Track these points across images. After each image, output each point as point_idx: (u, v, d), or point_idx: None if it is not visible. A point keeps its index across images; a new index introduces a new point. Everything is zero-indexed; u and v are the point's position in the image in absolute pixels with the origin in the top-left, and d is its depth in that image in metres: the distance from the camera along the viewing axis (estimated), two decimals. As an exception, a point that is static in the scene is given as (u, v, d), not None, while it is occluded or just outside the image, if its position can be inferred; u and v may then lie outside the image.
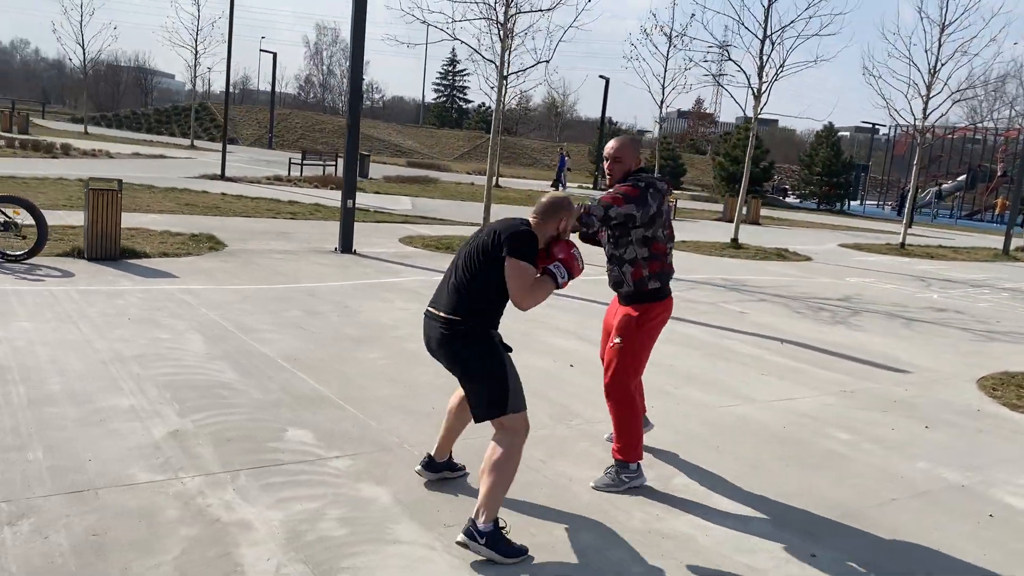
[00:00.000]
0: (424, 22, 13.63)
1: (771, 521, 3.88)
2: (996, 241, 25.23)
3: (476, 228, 3.81)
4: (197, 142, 40.45)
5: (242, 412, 4.68)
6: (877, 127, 53.04)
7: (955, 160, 49.21)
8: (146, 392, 4.86)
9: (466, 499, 3.80)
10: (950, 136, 48.57)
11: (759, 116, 17.56)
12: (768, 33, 16.42)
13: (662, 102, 29.98)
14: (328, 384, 5.33)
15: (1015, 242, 22.93)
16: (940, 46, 19.63)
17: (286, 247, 11.28)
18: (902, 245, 20.53)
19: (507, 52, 13.54)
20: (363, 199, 20.17)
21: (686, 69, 28.66)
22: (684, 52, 29.73)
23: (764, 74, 16.65)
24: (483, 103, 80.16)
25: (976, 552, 3.74)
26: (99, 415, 4.43)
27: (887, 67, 21.08)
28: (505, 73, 13.59)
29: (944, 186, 47.13)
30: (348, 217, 11.55)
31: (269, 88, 51.73)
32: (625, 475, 4.10)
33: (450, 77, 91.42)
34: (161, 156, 29.80)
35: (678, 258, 14.52)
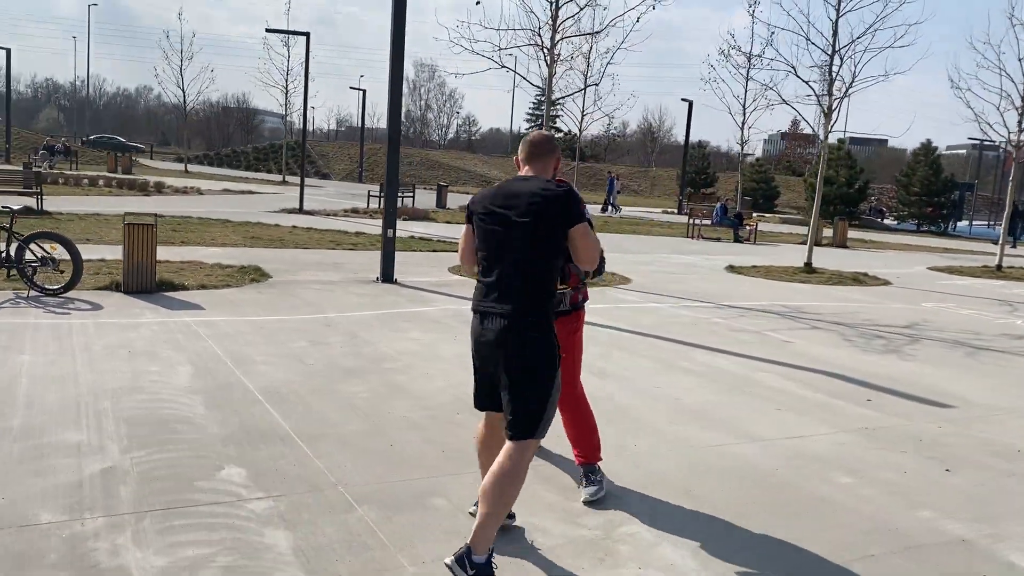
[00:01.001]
0: (473, 52, 13.62)
1: (715, 579, 3.46)
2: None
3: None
4: (289, 178, 41.80)
5: (187, 449, 4.55)
6: (986, 143, 50.20)
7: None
8: (103, 427, 4.80)
9: (377, 551, 3.53)
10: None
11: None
12: (836, 48, 15.68)
13: (743, 123, 29.27)
14: (292, 419, 5.17)
15: None
16: (1034, 53, 18.33)
17: (330, 278, 11.32)
18: (998, 267, 19.13)
19: (554, 76, 13.34)
20: (431, 229, 20.30)
21: (767, 89, 27.69)
22: (766, 71, 28.72)
23: (834, 90, 15.88)
24: (570, 131, 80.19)
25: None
26: (40, 451, 4.38)
27: (977, 78, 19.59)
28: (554, 98, 13.38)
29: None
30: (388, 246, 11.51)
31: (368, 124, 53.22)
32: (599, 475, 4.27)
33: (542, 107, 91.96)
34: (249, 192, 30.87)
35: (745, 284, 14.01)
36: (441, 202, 31.38)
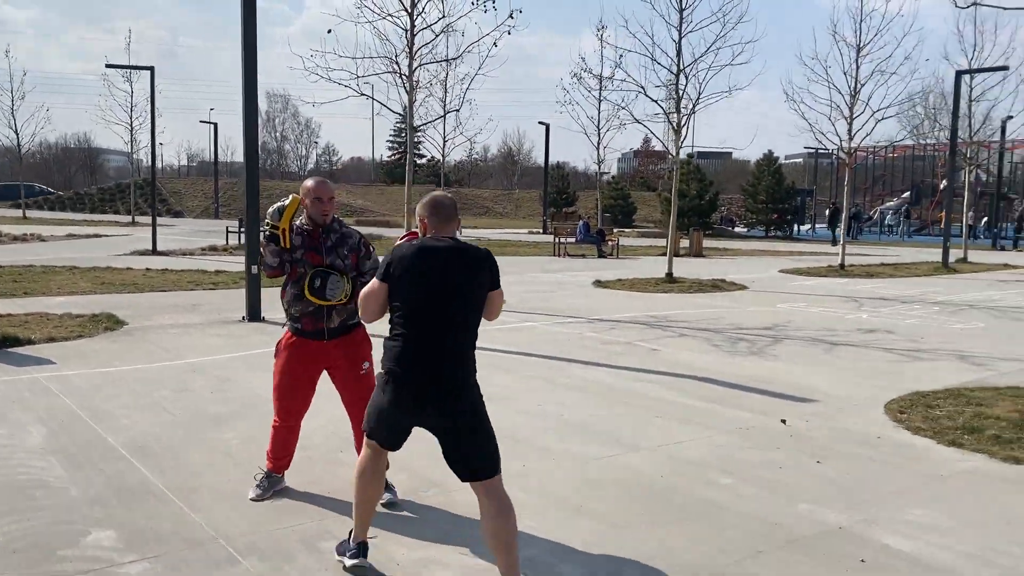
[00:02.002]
0: (329, 80, 13.41)
1: (615, 592, 3.47)
2: (938, 254, 25.27)
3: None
4: (140, 218, 39.78)
5: (47, 515, 4.19)
6: (820, 151, 53.86)
7: (899, 178, 50.03)
8: (-55, 501, 4.36)
9: (264, 600, 3.34)
10: (892, 155, 49.50)
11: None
12: (681, 68, 16.42)
13: (599, 143, 30.17)
14: (162, 473, 4.86)
15: (954, 253, 23.00)
16: (858, 67, 19.85)
17: (190, 320, 10.79)
18: (841, 266, 20.47)
19: (414, 103, 13.31)
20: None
21: (620, 109, 28.75)
22: (618, 92, 29.86)
23: (681, 108, 16.60)
24: (433, 156, 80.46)
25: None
26: None
27: (808, 91, 20.97)
28: (416, 125, 13.35)
29: (889, 204, 47.79)
30: (253, 284, 11.10)
31: (221, 158, 51.40)
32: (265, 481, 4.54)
33: (403, 134, 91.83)
34: (96, 235, 29.21)
35: (612, 297, 14.36)
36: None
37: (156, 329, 9.97)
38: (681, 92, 16.46)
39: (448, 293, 3.39)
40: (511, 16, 13.53)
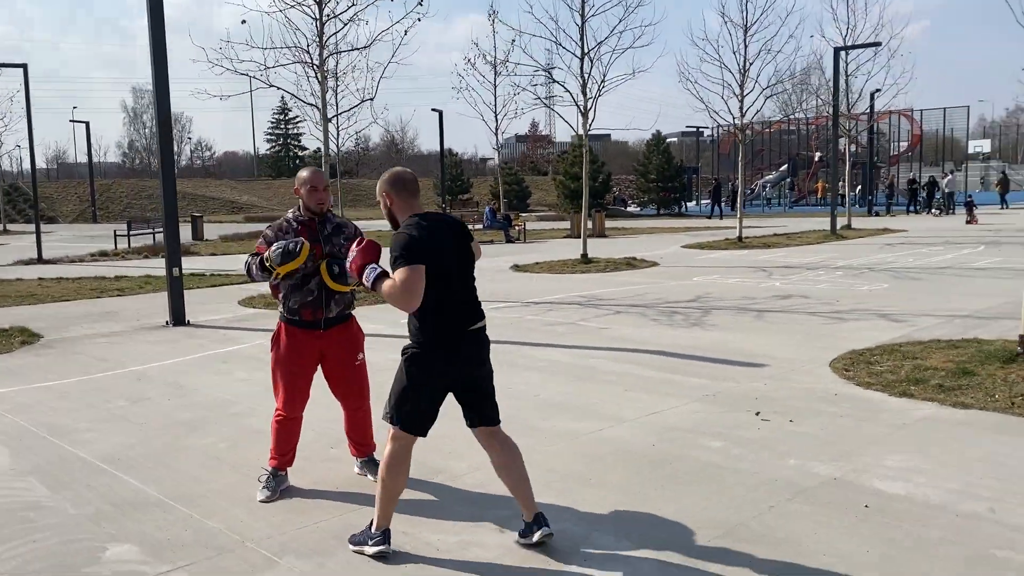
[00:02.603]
0: (237, 72, 13.03)
1: (652, 559, 3.63)
2: (823, 223, 26.73)
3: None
4: (11, 226, 37.37)
5: (52, 535, 4.02)
6: (701, 130, 55.83)
7: (776, 152, 52.37)
8: (-70, 531, 4.11)
9: (320, 596, 3.34)
10: (768, 130, 51.80)
11: (590, 132, 17.83)
12: (585, 51, 16.73)
13: (496, 129, 30.31)
14: (156, 483, 4.71)
15: (840, 220, 24.38)
16: (746, 47, 20.71)
17: (112, 328, 10.34)
18: (739, 239, 21.37)
19: (327, 94, 13.10)
20: (199, 263, 19.10)
21: (515, 95, 28.80)
22: (511, 78, 29.98)
23: (588, 91, 16.92)
24: (318, 148, 79.03)
25: (860, 550, 3.62)
26: None
27: (701, 72, 21.73)
28: (329, 115, 13.14)
29: (768, 177, 50.01)
30: (176, 286, 10.74)
31: (88, 160, 48.64)
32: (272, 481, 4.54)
33: (282, 126, 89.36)
34: (-33, 246, 27.31)
35: (535, 280, 14.55)
36: (198, 234, 29.66)
37: (79, 340, 9.52)
38: (586, 76, 16.78)
39: (463, 261, 3.70)
40: (420, 3, 13.50)
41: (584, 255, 17.15)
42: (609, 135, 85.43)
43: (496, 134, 30.81)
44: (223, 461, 5.09)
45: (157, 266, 18.47)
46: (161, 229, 27.19)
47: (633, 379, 6.90)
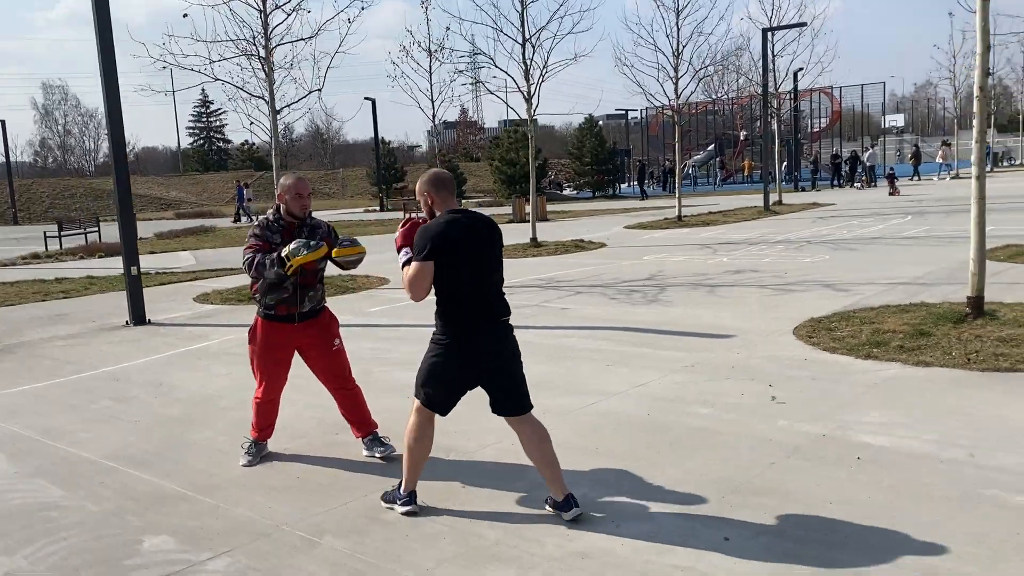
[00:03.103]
0: (183, 67, 12.80)
1: (673, 513, 3.89)
2: (754, 200, 27.57)
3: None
4: (-76, 231, 35.69)
5: (81, 532, 4.06)
6: (628, 112, 56.59)
7: (701, 133, 53.42)
8: (-49, 536, 4.10)
9: (372, 573, 3.49)
10: (695, 111, 52.79)
11: (534, 117, 18.02)
12: (527, 37, 16.91)
13: (434, 116, 30.27)
14: (169, 477, 4.77)
15: (771, 196, 25.17)
16: (679, 29, 21.17)
17: (68, 331, 10.14)
18: (679, 218, 21.91)
19: (274, 85, 12.98)
20: (141, 262, 18.67)
21: (451, 81, 28.73)
22: (448, 64, 29.89)
23: (531, 77, 17.10)
24: (246, 141, 77.32)
25: (862, 496, 3.94)
26: (-101, 579, 3.67)
27: (636, 55, 22.14)
28: (277, 107, 13.04)
29: (696, 157, 51.07)
30: (135, 285, 10.58)
31: (6, 160, 46.69)
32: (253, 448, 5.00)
33: (204, 119, 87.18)
34: None
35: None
36: (130, 233, 28.76)
37: (37, 344, 9.33)
38: (529, 62, 16.96)
39: (489, 258, 3.91)
40: (361, -9, 13.46)
41: (534, 239, 17.41)
42: (535, 120, 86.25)
43: (433, 121, 30.86)
44: (227, 454, 5.15)
45: (96, 267, 18.04)
46: (94, 229, 26.51)
47: (610, 355, 7.17)
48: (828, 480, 4.16)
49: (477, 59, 16.75)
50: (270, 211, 4.96)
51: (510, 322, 3.99)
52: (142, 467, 4.97)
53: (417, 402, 4.00)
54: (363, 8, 13.21)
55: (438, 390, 3.94)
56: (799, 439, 4.77)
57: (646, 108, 52.54)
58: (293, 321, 4.88)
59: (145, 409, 6.31)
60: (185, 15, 11.70)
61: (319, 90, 13.70)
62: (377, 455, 4.90)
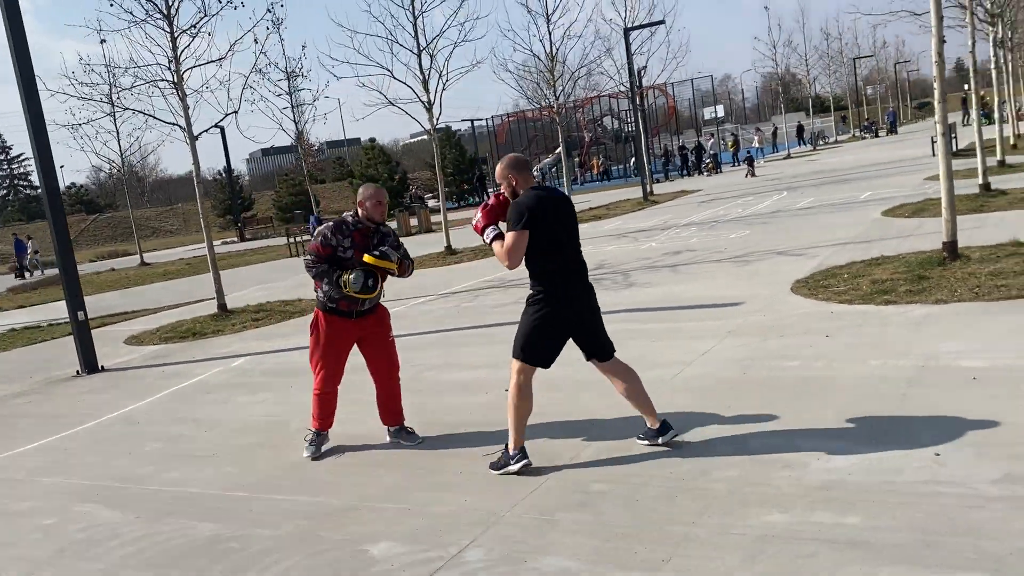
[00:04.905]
0: (81, 98, 12.03)
1: (843, 439, 4.17)
2: (622, 194, 28.76)
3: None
4: None
5: (292, 557, 3.87)
6: (474, 121, 57.32)
7: (549, 137, 54.90)
8: (137, 584, 3.80)
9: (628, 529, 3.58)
10: (543, 115, 54.14)
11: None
12: (421, 47, 16.97)
13: (299, 135, 29.58)
14: (324, 495, 4.60)
15: (637, 189, 26.39)
16: (551, 34, 21.85)
17: (12, 389, 9.30)
18: (572, 214, 22.54)
19: (189, 111, 12.42)
20: (8, 318, 17.19)
21: (315, 99, 28.14)
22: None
23: (429, 87, 17.16)
24: (73, 183, 72.11)
25: (1010, 407, 4.39)
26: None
27: (513, 61, 22.65)
28: (196, 133, 12.47)
29: (545, 161, 52.48)
30: (83, 331, 9.83)
31: None
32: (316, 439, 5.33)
33: (4, 166, 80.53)
34: None
35: (417, 276, 14.61)
36: None
37: (-4, 403, 8.51)
38: (426, 72, 17.03)
39: (572, 227, 4.46)
40: (269, 10, 13.19)
41: (449, 246, 17.46)
42: (359, 139, 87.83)
43: (298, 143, 30.19)
44: (354, 467, 5.02)
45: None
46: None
47: (644, 333, 7.43)
48: (965, 397, 4.58)
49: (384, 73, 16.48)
50: (348, 214, 5.27)
51: (592, 286, 4.53)
52: (280, 491, 4.75)
53: (518, 363, 4.42)
54: (277, 26, 12.87)
55: (542, 345, 4.38)
56: (906, 372, 5.20)
57: (492, 116, 53.54)
58: (352, 317, 5.21)
59: (207, 444, 5.96)
60: (103, 41, 11.04)
61: (235, 112, 13.23)
62: (403, 443, 5.31)
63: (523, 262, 4.33)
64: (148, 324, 13.16)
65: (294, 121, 29.00)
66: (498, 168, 4.52)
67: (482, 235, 4.43)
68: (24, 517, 4.94)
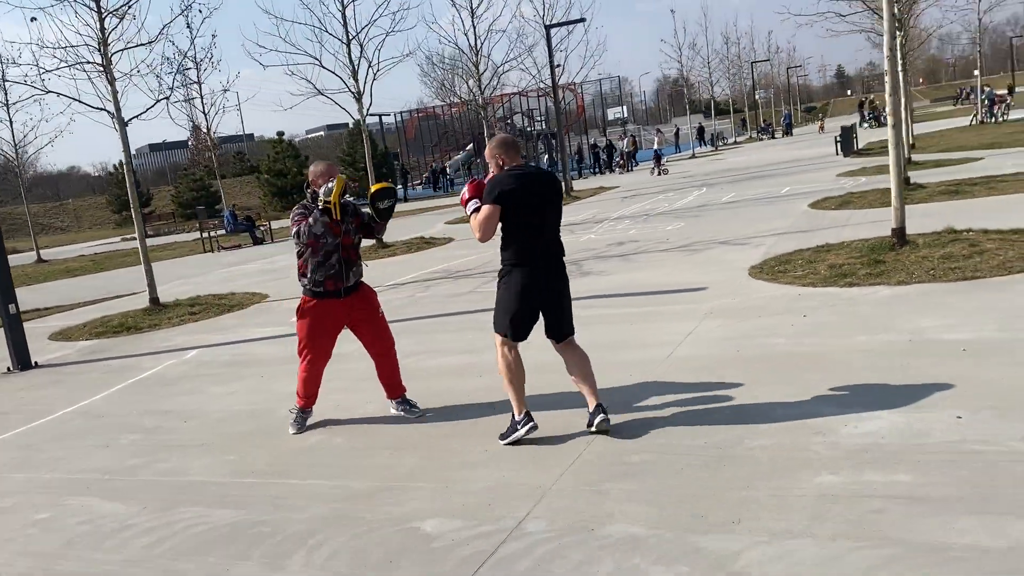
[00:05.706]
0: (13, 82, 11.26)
1: (884, 408, 4.35)
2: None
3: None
4: None
5: (338, 535, 3.75)
6: (382, 116, 56.68)
7: (462, 134, 54.82)
8: None
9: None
10: (452, 111, 54.00)
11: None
12: (351, 36, 16.66)
13: (209, 130, 28.60)
14: (346, 479, 4.48)
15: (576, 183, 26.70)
16: (475, 28, 21.85)
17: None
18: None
19: (118, 96, 11.83)
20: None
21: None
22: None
23: (359, 77, 16.87)
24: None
25: (1001, 375, 4.66)
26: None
27: (439, 55, 22.54)
28: (126, 119, 11.89)
29: (457, 158, 52.37)
30: (16, 325, 9.25)
31: None
32: (300, 415, 5.46)
33: None
34: None
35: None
36: None
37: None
38: (356, 61, 16.73)
39: (547, 205, 4.58)
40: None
41: (380, 240, 17.17)
42: (252, 135, 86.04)
43: (209, 135, 29.22)
44: (370, 451, 4.91)
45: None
46: None
47: (622, 317, 7.52)
48: (961, 366, 4.84)
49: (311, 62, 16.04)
50: (307, 196, 5.38)
51: (563, 261, 4.69)
52: (295, 476, 4.60)
53: (499, 337, 4.64)
54: (210, 12, 12.37)
55: (514, 318, 4.56)
56: (896, 346, 5.44)
57: (401, 111, 53.09)
58: (340, 296, 5.29)
59: (195, 434, 5.71)
60: (33, 19, 10.39)
61: (167, 98, 12.68)
62: (403, 414, 5.46)
63: (498, 236, 4.57)
64: (69, 320, 12.48)
65: (204, 113, 28.13)
66: (487, 147, 4.70)
67: (465, 207, 4.65)
68: (11, 513, 4.62)
